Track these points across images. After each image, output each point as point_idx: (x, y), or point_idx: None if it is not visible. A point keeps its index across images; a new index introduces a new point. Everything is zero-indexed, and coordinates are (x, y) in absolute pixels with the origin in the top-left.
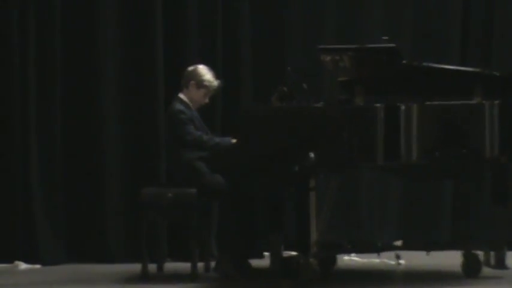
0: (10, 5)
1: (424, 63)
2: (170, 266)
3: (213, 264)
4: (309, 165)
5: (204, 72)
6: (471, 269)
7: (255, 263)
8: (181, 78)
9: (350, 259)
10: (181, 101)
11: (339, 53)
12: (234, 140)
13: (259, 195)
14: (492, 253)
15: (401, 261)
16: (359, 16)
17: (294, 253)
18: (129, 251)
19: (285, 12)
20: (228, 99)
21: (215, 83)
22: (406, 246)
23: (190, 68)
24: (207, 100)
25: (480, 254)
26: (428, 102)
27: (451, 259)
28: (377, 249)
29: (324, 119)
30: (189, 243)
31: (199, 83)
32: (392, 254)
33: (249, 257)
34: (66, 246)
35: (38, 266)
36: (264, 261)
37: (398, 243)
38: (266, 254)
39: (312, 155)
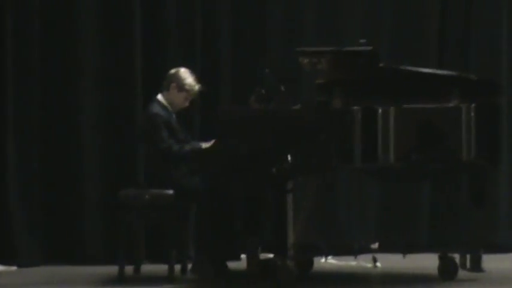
0: None
1: (402, 67)
2: (147, 268)
3: (190, 266)
4: (286, 167)
5: (186, 75)
6: (447, 271)
7: (232, 265)
8: (160, 81)
9: (327, 261)
10: (159, 102)
11: (317, 55)
12: (204, 145)
13: (237, 197)
14: (468, 256)
15: (378, 264)
16: (338, 18)
17: (271, 255)
18: (106, 252)
19: (264, 14)
20: (206, 100)
21: (196, 87)
22: (383, 249)
23: (173, 71)
24: (187, 104)
25: (456, 256)
26: (405, 105)
27: (427, 262)
28: (354, 252)
29: (302, 121)
30: (166, 245)
31: (181, 86)
32: (369, 256)
33: (226, 259)
34: (43, 248)
35: (14, 268)
36: (241, 263)
37: (375, 245)
38: (243, 256)
39: (289, 157)
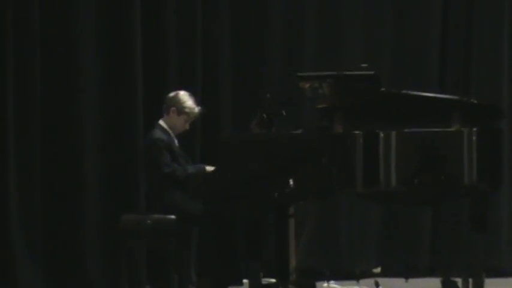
0: None
1: (403, 91)
2: None
3: None
4: (288, 192)
5: (185, 98)
6: None
7: None
8: (161, 105)
9: (329, 286)
10: (161, 127)
11: (318, 80)
12: (207, 167)
13: (239, 222)
14: (470, 280)
15: None
16: (338, 42)
17: (273, 280)
18: (108, 277)
19: (265, 39)
20: (207, 125)
21: (196, 109)
22: (385, 273)
23: (172, 94)
24: (187, 126)
25: (458, 280)
26: (407, 130)
27: (430, 286)
28: (356, 276)
29: (303, 145)
30: (168, 270)
31: (180, 109)
32: (371, 281)
33: (228, 284)
34: (45, 274)
35: None
36: None
37: (378, 270)
38: (245, 280)
39: (291, 182)
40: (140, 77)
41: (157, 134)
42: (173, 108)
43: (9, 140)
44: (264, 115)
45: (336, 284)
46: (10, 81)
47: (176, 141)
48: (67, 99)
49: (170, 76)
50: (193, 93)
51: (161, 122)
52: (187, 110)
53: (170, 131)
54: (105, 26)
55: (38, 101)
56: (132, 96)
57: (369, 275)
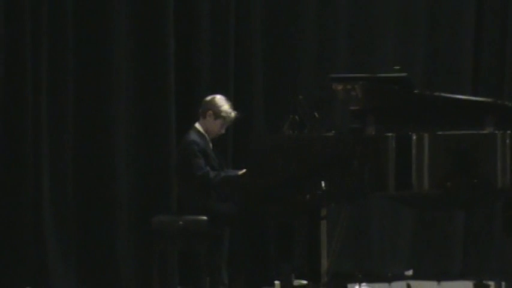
0: (22, 26)
1: (436, 93)
2: None
3: None
4: (320, 194)
5: (222, 102)
6: None
7: None
8: (193, 109)
9: None
10: (196, 131)
11: (351, 82)
12: (240, 173)
13: (270, 224)
14: (503, 283)
15: None
16: (371, 45)
17: (304, 282)
18: (140, 279)
19: (298, 41)
20: (240, 128)
21: (232, 114)
22: (417, 276)
23: (208, 98)
24: (223, 131)
25: (491, 284)
26: (440, 132)
27: None
28: (388, 279)
29: (336, 148)
30: (199, 271)
31: (217, 113)
32: (403, 283)
33: (259, 286)
34: (77, 275)
35: None
36: None
37: (409, 273)
38: (277, 282)
39: (323, 184)
40: (173, 80)
41: (193, 136)
42: (210, 112)
43: (43, 144)
44: (296, 117)
45: (367, 286)
46: (43, 85)
47: (211, 145)
48: (100, 102)
49: (203, 79)
50: (225, 96)
51: (197, 125)
52: (223, 114)
53: (206, 135)
54: (139, 28)
55: (71, 104)
56: (164, 99)
57: (400, 277)
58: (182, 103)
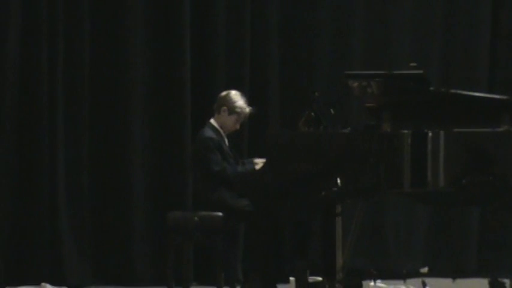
0: (39, 29)
1: (452, 90)
2: None
3: None
4: (335, 191)
5: (237, 98)
6: None
7: (281, 287)
8: (208, 104)
9: (376, 285)
10: (211, 126)
11: (366, 79)
12: (256, 160)
13: (286, 220)
14: None
15: None
16: (387, 42)
17: (319, 278)
18: (155, 274)
19: (313, 38)
20: (255, 123)
21: (247, 109)
22: (432, 273)
23: (223, 94)
24: (238, 126)
25: (507, 282)
26: (455, 129)
27: (477, 286)
28: (403, 276)
29: (351, 144)
30: (214, 267)
31: (231, 109)
32: (418, 280)
33: (275, 281)
34: (93, 269)
35: None
36: (290, 286)
37: (425, 270)
38: (292, 278)
39: (338, 180)
40: (188, 75)
41: (208, 133)
42: (224, 108)
43: (58, 137)
44: (312, 113)
45: (382, 283)
46: (59, 79)
47: (226, 141)
48: (116, 99)
49: (218, 75)
50: (241, 91)
51: (212, 121)
52: (238, 109)
53: (221, 130)
54: (154, 24)
55: (87, 99)
56: (180, 95)
57: (415, 274)
58: (197, 99)
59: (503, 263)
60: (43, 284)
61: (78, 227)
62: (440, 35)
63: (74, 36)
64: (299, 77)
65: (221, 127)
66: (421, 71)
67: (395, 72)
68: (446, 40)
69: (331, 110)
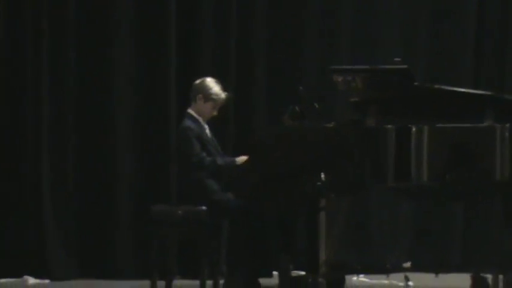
0: (24, 30)
1: (436, 86)
2: (179, 283)
3: (222, 282)
4: (319, 185)
5: (212, 85)
6: None
7: (264, 281)
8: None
9: (359, 280)
10: (190, 116)
11: (351, 73)
12: (238, 161)
13: (270, 214)
14: (501, 276)
15: (410, 283)
16: (373, 37)
17: (303, 273)
18: (138, 267)
19: (299, 32)
20: (240, 118)
21: (223, 95)
22: (415, 268)
23: (198, 81)
24: (215, 113)
25: (489, 277)
26: (439, 125)
27: (460, 282)
28: (386, 271)
29: (336, 139)
30: (198, 261)
31: (207, 96)
32: (401, 275)
33: (258, 276)
34: (76, 262)
35: (46, 281)
36: (273, 280)
37: (408, 264)
38: (275, 273)
39: (322, 175)
40: (174, 68)
41: (187, 123)
42: (200, 95)
43: (43, 131)
44: (297, 108)
45: (365, 277)
46: (44, 77)
47: (207, 128)
48: (100, 91)
49: (204, 70)
50: (227, 85)
51: (190, 111)
52: (214, 96)
53: (199, 119)
54: (140, 18)
55: (72, 92)
56: (164, 87)
57: (399, 269)
58: (183, 93)
59: (486, 258)
60: (25, 276)
61: (62, 220)
62: (425, 31)
63: (59, 36)
64: (284, 71)
65: (199, 115)
66: (405, 66)
67: (380, 67)
68: (431, 35)
69: (316, 105)
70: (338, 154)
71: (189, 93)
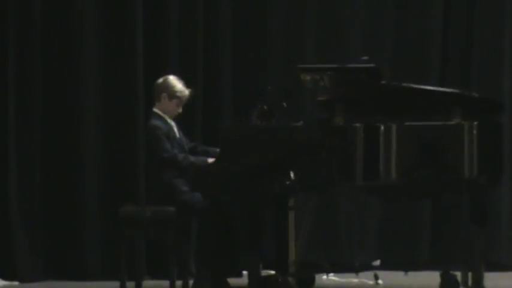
0: None
1: (403, 84)
2: (148, 283)
3: (191, 282)
4: (288, 184)
5: (175, 82)
6: None
7: (233, 281)
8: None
9: (328, 278)
10: (156, 115)
11: (319, 72)
12: (209, 160)
13: (239, 214)
14: (470, 274)
15: (380, 281)
16: (339, 35)
17: (272, 272)
18: (107, 268)
19: (266, 31)
20: (208, 116)
21: (186, 92)
22: (384, 266)
23: (160, 80)
24: (180, 110)
25: (458, 274)
26: (407, 123)
27: (429, 279)
28: (355, 269)
29: (304, 138)
30: (167, 261)
31: (171, 94)
32: (370, 273)
33: (227, 276)
34: (44, 263)
35: (15, 283)
36: (242, 280)
37: (377, 263)
38: (245, 272)
39: (291, 174)
40: (141, 67)
41: (155, 122)
42: (164, 94)
43: (10, 129)
44: (265, 107)
45: (335, 276)
46: (10, 73)
47: (175, 126)
48: (68, 90)
49: (171, 70)
50: (194, 86)
51: (155, 110)
52: (178, 93)
53: (165, 117)
54: (106, 16)
55: (38, 91)
56: (132, 88)
57: (368, 267)
58: (150, 94)
59: (455, 255)
60: None
61: (30, 222)
62: (392, 28)
63: (24, 33)
64: (252, 70)
65: (164, 113)
66: (372, 65)
67: (347, 65)
68: (398, 33)
69: (284, 104)
70: (306, 153)
71: (153, 92)
